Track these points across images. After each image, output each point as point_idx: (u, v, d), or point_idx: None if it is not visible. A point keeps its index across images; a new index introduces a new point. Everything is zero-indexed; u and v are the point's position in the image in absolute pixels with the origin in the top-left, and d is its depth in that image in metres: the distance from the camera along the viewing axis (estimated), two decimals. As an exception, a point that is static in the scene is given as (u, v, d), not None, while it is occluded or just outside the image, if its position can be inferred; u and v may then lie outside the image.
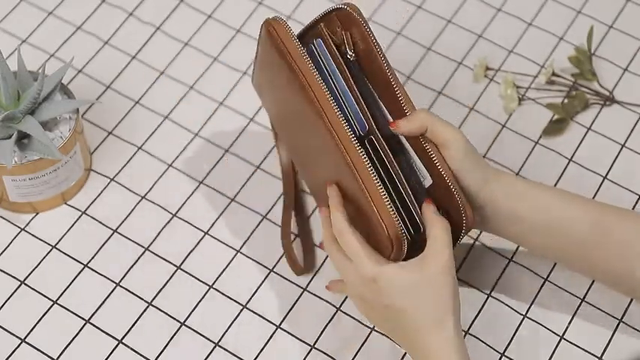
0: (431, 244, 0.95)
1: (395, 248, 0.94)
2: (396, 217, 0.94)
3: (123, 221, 1.13)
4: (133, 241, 1.12)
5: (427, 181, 0.98)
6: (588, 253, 0.99)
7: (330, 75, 1.00)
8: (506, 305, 1.09)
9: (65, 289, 1.09)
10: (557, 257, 1.03)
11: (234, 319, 1.08)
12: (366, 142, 0.98)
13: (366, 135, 0.98)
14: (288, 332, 1.07)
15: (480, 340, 1.07)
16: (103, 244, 1.12)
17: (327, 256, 1.11)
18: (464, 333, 1.07)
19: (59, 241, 1.12)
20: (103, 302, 1.08)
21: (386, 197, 0.94)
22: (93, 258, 1.11)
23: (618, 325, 1.09)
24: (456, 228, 0.97)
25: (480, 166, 0.99)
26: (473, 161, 0.99)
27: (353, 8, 1.01)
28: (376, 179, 0.94)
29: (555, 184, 1.17)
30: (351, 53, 1.01)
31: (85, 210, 1.14)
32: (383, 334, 1.06)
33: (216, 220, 1.14)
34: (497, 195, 0.99)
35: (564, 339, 1.08)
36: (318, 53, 1.01)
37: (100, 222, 1.13)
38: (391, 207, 0.94)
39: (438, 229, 0.95)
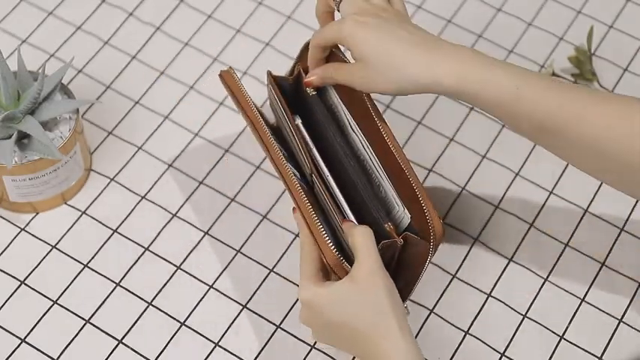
0: (355, 254, 0.94)
1: (338, 274, 0.96)
2: (332, 247, 0.95)
3: (123, 221, 1.13)
4: (133, 241, 1.12)
5: (402, 213, 0.99)
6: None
7: (279, 118, 1.07)
8: (507, 305, 1.09)
9: (65, 289, 1.09)
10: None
11: (234, 319, 1.08)
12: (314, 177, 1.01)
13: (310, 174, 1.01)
14: (288, 332, 1.07)
15: (480, 340, 1.07)
16: (103, 244, 1.12)
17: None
18: (464, 333, 1.07)
19: (59, 241, 1.12)
20: (103, 302, 1.08)
21: (322, 229, 0.96)
22: (93, 258, 1.11)
23: (618, 325, 1.09)
24: (425, 242, 0.96)
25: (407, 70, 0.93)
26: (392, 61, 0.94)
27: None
28: (314, 214, 0.97)
29: (555, 184, 1.17)
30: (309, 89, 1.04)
31: (85, 210, 1.14)
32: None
33: (216, 220, 1.14)
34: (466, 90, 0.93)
35: (564, 339, 1.08)
36: (274, 99, 1.07)
37: (100, 222, 1.13)
38: (327, 237, 0.96)
39: (358, 236, 0.94)
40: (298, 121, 1.05)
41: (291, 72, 1.08)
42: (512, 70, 0.93)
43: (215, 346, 1.06)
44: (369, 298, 0.93)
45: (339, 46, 1.01)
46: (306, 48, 1.05)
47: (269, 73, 1.07)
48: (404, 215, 0.98)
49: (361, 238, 0.94)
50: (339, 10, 1.00)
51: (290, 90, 1.07)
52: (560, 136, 0.92)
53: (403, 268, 0.99)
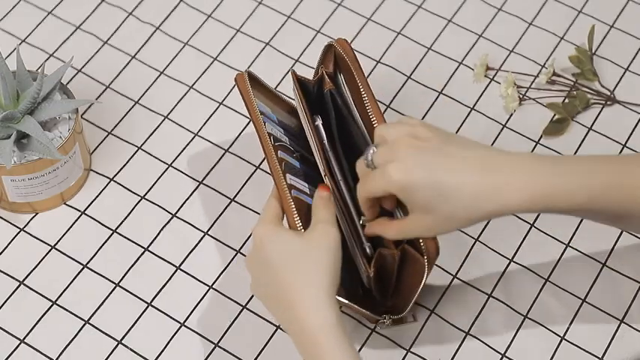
0: (312, 215, 0.95)
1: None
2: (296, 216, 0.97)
3: (122, 221, 1.13)
4: (132, 241, 1.12)
5: None
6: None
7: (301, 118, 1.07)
8: (507, 305, 1.09)
9: (64, 290, 1.09)
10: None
11: (234, 320, 1.08)
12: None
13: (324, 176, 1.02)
14: (289, 333, 1.07)
15: (480, 340, 1.07)
16: (103, 244, 1.12)
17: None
18: (464, 333, 1.07)
19: (58, 241, 1.12)
20: (103, 302, 1.08)
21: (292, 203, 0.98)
22: (92, 258, 1.11)
23: (619, 325, 1.08)
24: (422, 258, 0.96)
25: (460, 203, 0.88)
26: (441, 204, 0.88)
27: (340, 43, 1.05)
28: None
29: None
30: (328, 89, 1.05)
31: (85, 210, 1.14)
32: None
33: (216, 220, 1.13)
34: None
35: (565, 339, 1.07)
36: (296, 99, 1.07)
37: (100, 222, 1.13)
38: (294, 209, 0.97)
39: (317, 199, 0.95)
40: (318, 122, 1.05)
41: (315, 73, 1.09)
42: (578, 172, 0.88)
43: (215, 347, 1.06)
44: (312, 253, 0.92)
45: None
46: (327, 49, 1.06)
47: (293, 73, 1.07)
48: None
49: (319, 201, 0.95)
50: (374, 165, 0.91)
51: (313, 91, 1.07)
52: (635, 218, 0.90)
53: (402, 283, 1.00)
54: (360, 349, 1.06)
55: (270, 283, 0.94)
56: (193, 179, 1.16)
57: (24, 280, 1.09)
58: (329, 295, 0.91)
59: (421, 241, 0.94)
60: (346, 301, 0.98)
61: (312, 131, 1.03)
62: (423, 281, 0.96)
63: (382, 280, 1.00)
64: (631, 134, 1.21)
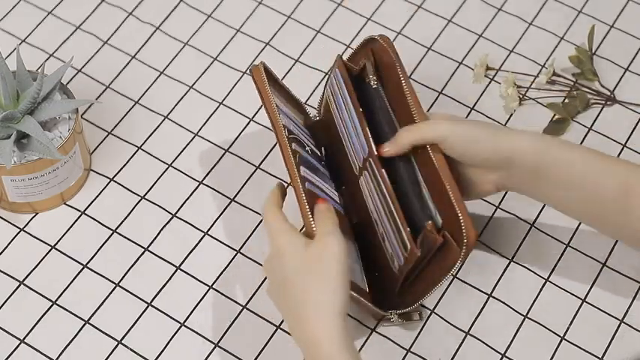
0: (320, 238, 0.96)
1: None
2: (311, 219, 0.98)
3: (122, 221, 1.13)
4: (132, 241, 1.12)
5: (435, 217, 1.00)
6: (610, 210, 0.99)
7: (337, 104, 1.08)
8: (507, 305, 1.09)
9: (64, 290, 1.09)
10: (580, 213, 1.03)
11: (234, 320, 1.08)
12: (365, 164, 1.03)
13: (366, 159, 1.03)
14: (288, 333, 1.07)
15: (480, 340, 1.07)
16: (103, 244, 1.12)
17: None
18: (464, 334, 1.07)
19: (58, 241, 1.12)
20: (103, 302, 1.08)
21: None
22: (92, 258, 1.11)
23: (619, 325, 1.08)
24: (456, 248, 0.97)
25: (485, 140, 1.00)
26: (470, 141, 1.00)
27: (383, 39, 1.07)
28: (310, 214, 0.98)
29: (556, 184, 1.17)
30: (372, 79, 1.07)
31: (85, 210, 1.14)
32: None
33: (216, 220, 1.13)
34: (526, 150, 1.00)
35: (565, 339, 1.07)
36: (337, 82, 1.07)
37: (100, 222, 1.13)
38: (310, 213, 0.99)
39: (323, 220, 0.97)
40: (376, 85, 1.07)
41: (353, 62, 1.10)
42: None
43: (215, 347, 1.06)
44: (324, 271, 0.94)
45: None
46: (368, 42, 1.07)
47: (339, 58, 1.08)
48: (436, 219, 0.99)
49: (319, 215, 0.97)
50: None
51: (352, 80, 1.08)
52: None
53: (428, 271, 1.00)
54: (360, 349, 1.06)
55: (286, 295, 0.96)
56: (193, 179, 1.16)
57: (24, 280, 1.09)
58: (342, 315, 0.94)
59: (464, 228, 0.96)
60: (356, 295, 0.99)
61: (357, 116, 1.03)
62: (452, 269, 0.98)
63: (411, 268, 1.00)
64: (631, 134, 1.21)
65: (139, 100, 1.21)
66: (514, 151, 1.00)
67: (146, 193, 1.15)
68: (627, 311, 1.09)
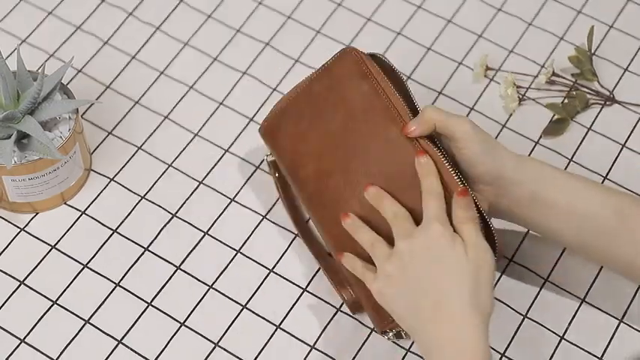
0: (471, 238, 0.97)
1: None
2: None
3: (123, 221, 1.13)
4: (132, 241, 1.12)
5: None
6: (606, 239, 1.00)
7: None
8: (507, 305, 1.09)
9: (65, 290, 1.09)
10: (573, 242, 1.03)
11: (234, 320, 1.08)
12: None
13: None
14: (288, 332, 1.07)
15: (481, 340, 1.07)
16: (103, 244, 1.12)
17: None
18: (464, 333, 1.07)
19: (59, 241, 1.12)
20: (103, 302, 1.08)
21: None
22: (93, 258, 1.11)
23: (619, 325, 1.08)
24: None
25: (496, 151, 1.00)
26: (486, 148, 1.00)
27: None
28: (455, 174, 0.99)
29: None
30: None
31: (85, 210, 1.14)
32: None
33: (216, 220, 1.13)
34: (523, 178, 1.00)
35: (565, 339, 1.07)
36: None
37: (100, 222, 1.13)
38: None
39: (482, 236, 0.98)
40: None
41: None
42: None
43: (215, 347, 1.06)
44: (468, 279, 0.95)
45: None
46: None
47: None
48: None
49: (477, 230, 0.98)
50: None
51: None
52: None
53: None
54: (360, 349, 1.06)
55: (428, 288, 0.95)
56: (193, 179, 1.16)
57: (24, 280, 1.09)
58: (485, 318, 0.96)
59: (496, 238, 0.99)
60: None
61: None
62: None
63: None
64: (630, 134, 1.21)
65: (139, 100, 1.21)
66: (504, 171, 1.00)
67: (146, 193, 1.15)
68: (626, 311, 1.09)
